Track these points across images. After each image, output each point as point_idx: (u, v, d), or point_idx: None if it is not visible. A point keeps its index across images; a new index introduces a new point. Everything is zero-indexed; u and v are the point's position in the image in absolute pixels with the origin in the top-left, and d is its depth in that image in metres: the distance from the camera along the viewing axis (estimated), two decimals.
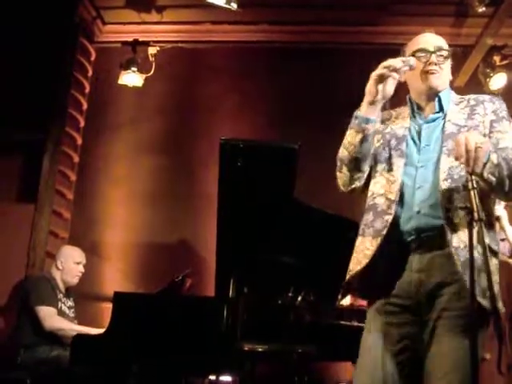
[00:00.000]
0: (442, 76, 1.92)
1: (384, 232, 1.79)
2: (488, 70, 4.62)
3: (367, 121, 1.84)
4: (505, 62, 4.58)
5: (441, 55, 1.91)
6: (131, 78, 4.83)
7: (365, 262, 1.81)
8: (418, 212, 1.80)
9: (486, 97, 1.93)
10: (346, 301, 3.35)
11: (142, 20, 5.05)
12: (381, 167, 1.91)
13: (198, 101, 5.03)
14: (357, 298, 2.74)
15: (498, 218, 3.12)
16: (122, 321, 3.02)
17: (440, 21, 4.61)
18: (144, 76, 4.86)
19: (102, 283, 4.64)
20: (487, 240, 1.57)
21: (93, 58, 5.19)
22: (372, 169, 1.93)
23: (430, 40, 1.94)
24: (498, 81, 4.59)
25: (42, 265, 4.39)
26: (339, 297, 1.92)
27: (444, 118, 1.90)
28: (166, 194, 4.82)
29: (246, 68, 5.03)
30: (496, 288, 1.71)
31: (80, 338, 3.10)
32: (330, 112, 4.58)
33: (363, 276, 1.82)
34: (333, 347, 3.05)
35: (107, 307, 3.45)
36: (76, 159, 4.95)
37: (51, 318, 3.54)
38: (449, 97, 1.95)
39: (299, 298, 3.14)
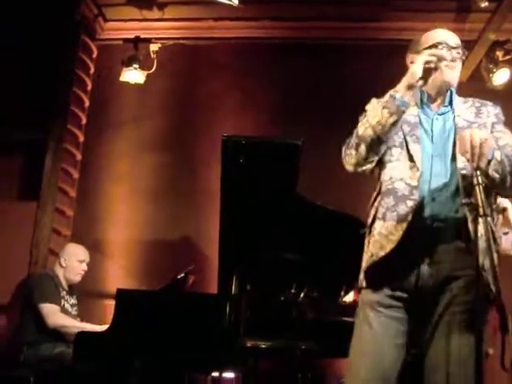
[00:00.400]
0: (457, 72, 1.97)
1: (409, 218, 1.80)
2: (491, 66, 4.61)
3: (404, 104, 1.86)
4: (508, 57, 4.57)
5: (458, 52, 1.97)
6: (133, 75, 4.82)
7: (389, 247, 1.81)
8: (433, 199, 1.82)
9: (489, 102, 2.02)
10: (349, 297, 3.35)
11: (143, 17, 5.04)
12: (396, 151, 1.93)
13: (199, 97, 5.02)
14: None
15: (504, 209, 3.11)
16: (125, 318, 3.02)
17: (443, 16, 4.61)
18: (146, 73, 4.85)
19: (104, 280, 4.64)
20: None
21: (94, 56, 5.18)
22: (385, 153, 1.94)
23: (451, 36, 2.00)
24: (500, 76, 4.59)
25: (45, 262, 4.40)
26: (362, 282, 1.89)
27: (453, 113, 1.95)
28: (168, 191, 4.82)
29: (248, 65, 5.01)
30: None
31: (83, 335, 3.10)
32: (332, 109, 4.58)
33: (380, 262, 1.82)
34: (336, 344, 3.04)
35: (110, 304, 3.45)
36: (78, 157, 4.95)
37: (54, 315, 3.54)
38: (455, 94, 2.01)
39: (302, 295, 3.14)
